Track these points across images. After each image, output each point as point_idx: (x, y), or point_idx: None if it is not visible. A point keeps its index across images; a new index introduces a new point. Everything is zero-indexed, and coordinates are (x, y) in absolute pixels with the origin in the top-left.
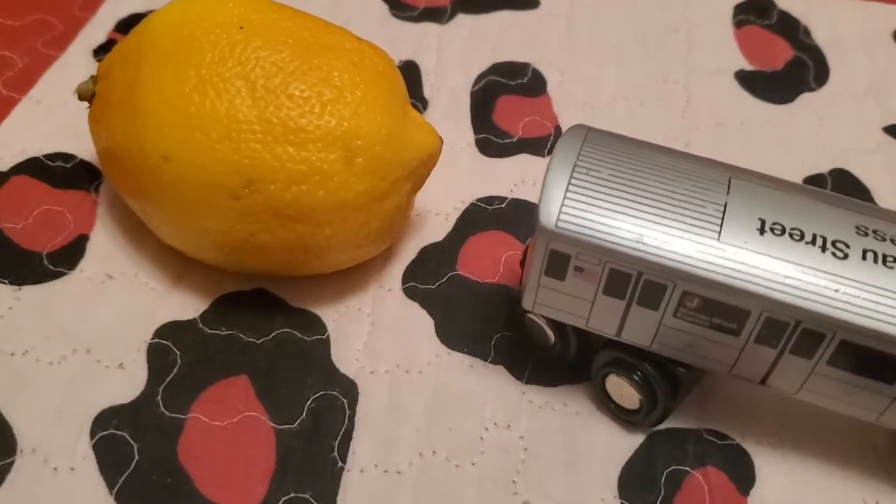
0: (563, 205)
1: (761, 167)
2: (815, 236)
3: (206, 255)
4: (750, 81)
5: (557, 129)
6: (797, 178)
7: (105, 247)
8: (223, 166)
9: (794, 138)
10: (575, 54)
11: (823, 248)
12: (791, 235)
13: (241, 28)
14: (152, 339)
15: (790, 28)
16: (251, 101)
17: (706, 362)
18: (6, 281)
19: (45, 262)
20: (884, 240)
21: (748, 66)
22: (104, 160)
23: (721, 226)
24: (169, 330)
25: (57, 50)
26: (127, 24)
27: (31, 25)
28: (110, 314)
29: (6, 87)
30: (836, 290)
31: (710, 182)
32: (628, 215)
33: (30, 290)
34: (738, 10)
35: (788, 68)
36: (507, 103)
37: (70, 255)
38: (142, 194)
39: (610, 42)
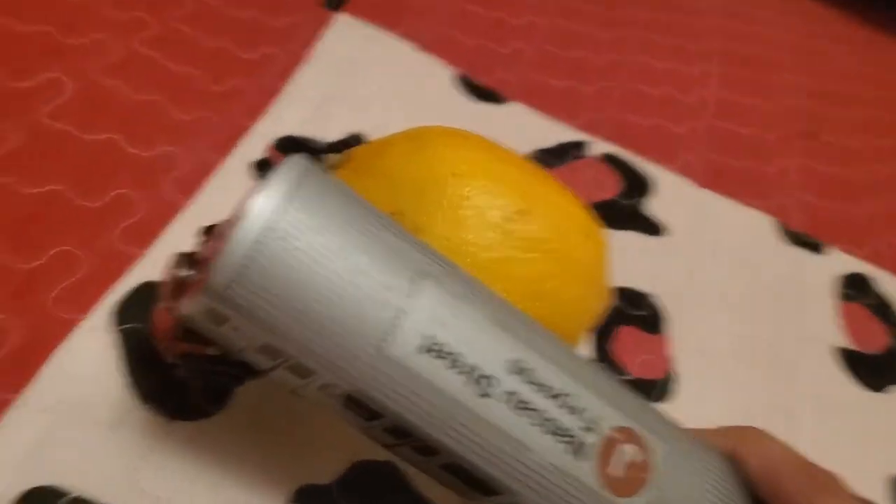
0: None
1: (847, 453)
2: None
3: None
4: (849, 361)
5: (668, 375)
6: (877, 474)
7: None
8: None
9: (882, 429)
10: (697, 295)
11: None
12: None
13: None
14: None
15: (885, 311)
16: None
17: None
18: None
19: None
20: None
21: (850, 345)
22: None
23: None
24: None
25: (218, 154)
26: (283, 145)
27: (197, 123)
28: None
29: (173, 188)
30: None
31: None
32: None
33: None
34: (844, 282)
35: (886, 356)
36: (627, 335)
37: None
38: None
39: (727, 292)
